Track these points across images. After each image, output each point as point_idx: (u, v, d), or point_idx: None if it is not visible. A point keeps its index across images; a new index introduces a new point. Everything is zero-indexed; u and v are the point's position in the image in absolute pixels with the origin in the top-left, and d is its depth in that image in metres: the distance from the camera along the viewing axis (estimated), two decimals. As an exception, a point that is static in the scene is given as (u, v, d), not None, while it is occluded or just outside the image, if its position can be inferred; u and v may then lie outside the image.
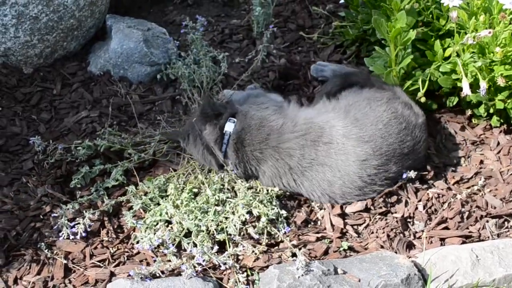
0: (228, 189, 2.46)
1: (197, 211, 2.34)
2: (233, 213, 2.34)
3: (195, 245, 2.26)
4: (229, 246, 2.26)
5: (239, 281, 2.15)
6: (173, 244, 2.25)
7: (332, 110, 2.53)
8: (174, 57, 3.08)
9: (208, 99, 2.74)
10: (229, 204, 2.37)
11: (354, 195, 2.43)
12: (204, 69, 2.95)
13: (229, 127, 2.50)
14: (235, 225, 2.29)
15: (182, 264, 2.15)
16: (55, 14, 3.03)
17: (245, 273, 2.18)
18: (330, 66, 3.01)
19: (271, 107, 2.58)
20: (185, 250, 2.27)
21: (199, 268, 2.17)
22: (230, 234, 2.30)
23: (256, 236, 2.30)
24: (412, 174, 2.46)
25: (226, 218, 2.33)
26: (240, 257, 2.26)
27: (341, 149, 2.40)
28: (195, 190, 2.46)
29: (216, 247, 2.23)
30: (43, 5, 2.98)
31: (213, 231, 2.29)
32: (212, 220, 2.31)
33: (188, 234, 2.31)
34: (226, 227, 2.30)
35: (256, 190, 2.45)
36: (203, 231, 2.29)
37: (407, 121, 2.49)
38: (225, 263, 2.18)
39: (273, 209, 2.36)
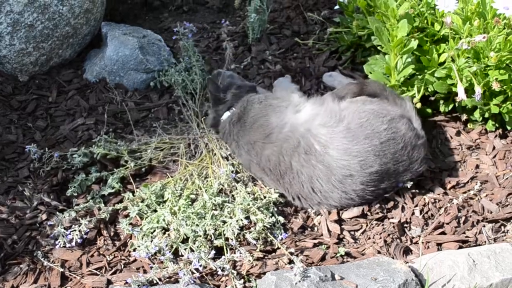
0: (225, 193, 2.46)
1: (194, 216, 2.34)
2: (230, 217, 2.34)
3: (192, 251, 2.25)
4: (227, 252, 2.26)
5: (241, 285, 2.14)
6: (170, 251, 2.25)
7: (324, 113, 2.48)
8: (167, 64, 3.08)
9: (214, 83, 2.75)
10: (227, 209, 2.37)
11: (333, 203, 2.42)
12: (196, 76, 2.96)
13: (226, 116, 2.67)
14: (233, 230, 2.29)
15: (180, 270, 2.15)
16: (50, 21, 3.03)
17: (242, 280, 2.18)
18: (338, 77, 3.02)
19: (278, 104, 2.59)
20: (182, 256, 2.27)
21: (196, 275, 2.17)
22: (228, 239, 2.29)
23: (253, 242, 2.30)
24: (408, 184, 2.46)
25: (224, 222, 2.32)
26: (238, 264, 2.25)
27: (321, 160, 2.37)
28: (193, 196, 2.45)
29: (213, 252, 2.23)
30: (38, 13, 2.98)
31: (210, 235, 2.29)
32: (210, 225, 2.30)
33: (185, 240, 2.30)
34: (224, 232, 2.30)
35: (254, 195, 2.45)
36: (200, 236, 2.28)
37: (405, 142, 2.43)
38: (222, 269, 2.18)
39: (271, 216, 2.36)
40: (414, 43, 2.57)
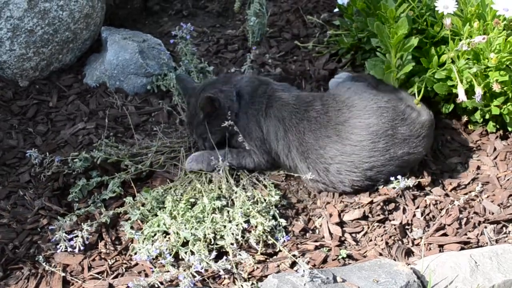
0: (225, 197, 2.46)
1: (194, 220, 2.33)
2: (230, 221, 2.34)
3: (192, 254, 2.25)
4: (228, 255, 2.25)
5: (242, 288, 2.15)
6: (170, 254, 2.25)
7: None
8: (167, 68, 3.09)
9: None
10: (227, 212, 2.37)
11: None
12: (195, 79, 2.97)
13: None
14: (233, 233, 2.28)
15: (180, 273, 2.14)
16: (50, 27, 3.03)
17: (245, 282, 2.17)
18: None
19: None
20: (183, 260, 2.27)
21: (198, 278, 2.16)
22: (228, 243, 2.28)
23: (255, 245, 2.29)
24: (410, 182, 2.46)
25: (224, 226, 2.32)
26: (239, 267, 2.25)
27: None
28: (192, 200, 2.45)
29: (213, 254, 2.22)
30: (38, 18, 2.99)
31: (210, 239, 2.28)
32: (209, 228, 2.30)
33: (185, 244, 2.30)
34: (223, 235, 2.30)
35: (254, 199, 2.45)
36: (200, 239, 2.28)
37: (402, 114, 2.51)
38: (225, 269, 2.17)
39: (271, 220, 2.35)
40: (414, 41, 2.58)
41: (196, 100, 2.61)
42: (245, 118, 2.59)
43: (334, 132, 2.47)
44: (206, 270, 2.22)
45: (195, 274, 2.15)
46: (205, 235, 2.29)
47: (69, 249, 2.31)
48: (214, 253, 2.23)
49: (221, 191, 2.47)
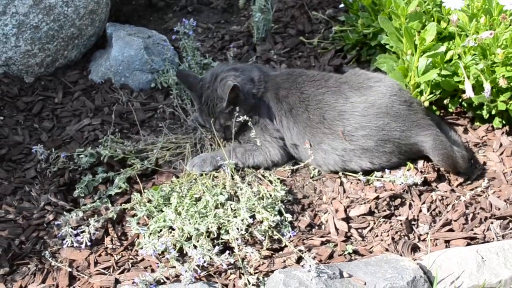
0: (229, 193, 2.45)
1: (197, 215, 2.33)
2: (235, 216, 2.33)
3: (195, 248, 2.25)
4: (233, 250, 2.25)
5: (249, 283, 2.14)
6: (174, 249, 2.25)
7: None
8: (171, 64, 3.09)
9: None
10: (231, 207, 2.37)
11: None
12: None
13: None
14: (238, 228, 2.28)
15: (182, 267, 2.14)
16: (55, 23, 3.03)
17: (251, 276, 2.17)
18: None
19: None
20: (186, 254, 2.27)
21: (203, 273, 2.16)
22: (233, 238, 2.28)
23: (262, 238, 2.29)
24: (419, 179, 2.46)
25: (228, 220, 2.32)
26: (245, 262, 2.25)
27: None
28: (197, 196, 2.45)
29: (218, 248, 2.22)
30: (44, 14, 2.99)
31: (213, 233, 2.28)
32: (213, 223, 2.30)
33: (189, 239, 2.30)
34: (228, 230, 2.30)
35: (260, 194, 2.44)
36: (202, 234, 2.28)
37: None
38: (230, 264, 2.18)
39: (277, 215, 2.35)
40: (442, 48, 2.56)
41: (212, 90, 2.61)
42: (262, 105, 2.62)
43: None
44: (212, 265, 2.22)
45: (197, 268, 2.15)
46: (208, 229, 2.29)
47: (75, 245, 2.32)
48: (218, 248, 2.22)
49: (225, 188, 2.47)
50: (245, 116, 2.49)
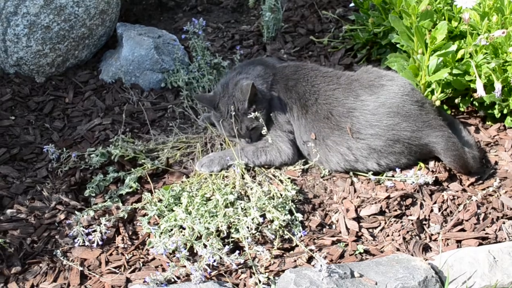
0: (239, 192, 2.45)
1: (207, 214, 2.33)
2: (245, 215, 2.33)
3: (205, 247, 2.25)
4: (243, 249, 2.25)
5: (260, 282, 2.14)
6: (185, 248, 2.25)
7: None
8: (181, 64, 3.09)
9: None
10: (241, 206, 2.36)
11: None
12: (206, 77, 2.98)
13: None
14: (248, 227, 2.28)
15: (192, 266, 2.14)
16: (66, 23, 3.05)
17: (261, 275, 2.17)
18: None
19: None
20: (197, 253, 2.27)
21: (214, 272, 2.17)
22: (243, 237, 2.28)
23: (272, 237, 2.29)
24: (430, 179, 2.45)
25: (238, 220, 2.32)
26: (255, 261, 2.25)
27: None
28: (208, 195, 2.45)
29: (228, 247, 2.22)
30: (54, 15, 3.00)
31: (224, 232, 2.28)
32: (222, 222, 2.30)
33: (200, 238, 2.30)
34: (238, 229, 2.29)
35: (270, 194, 2.44)
36: (212, 233, 2.28)
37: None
38: (241, 264, 2.18)
39: (287, 214, 2.35)
40: (453, 47, 2.55)
41: (229, 97, 2.61)
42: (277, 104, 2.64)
43: None
44: (222, 265, 2.22)
45: (206, 267, 2.15)
46: (218, 228, 2.29)
47: (86, 244, 2.32)
48: (228, 247, 2.22)
49: (235, 187, 2.47)
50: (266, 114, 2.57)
